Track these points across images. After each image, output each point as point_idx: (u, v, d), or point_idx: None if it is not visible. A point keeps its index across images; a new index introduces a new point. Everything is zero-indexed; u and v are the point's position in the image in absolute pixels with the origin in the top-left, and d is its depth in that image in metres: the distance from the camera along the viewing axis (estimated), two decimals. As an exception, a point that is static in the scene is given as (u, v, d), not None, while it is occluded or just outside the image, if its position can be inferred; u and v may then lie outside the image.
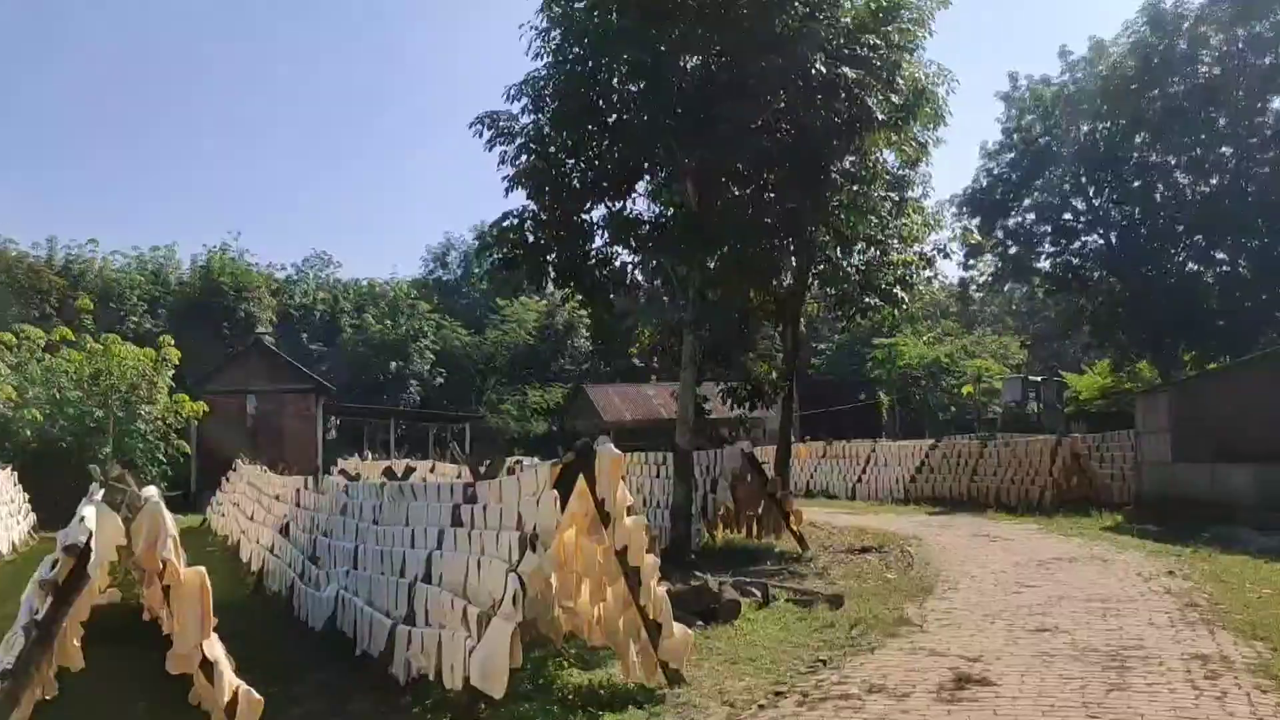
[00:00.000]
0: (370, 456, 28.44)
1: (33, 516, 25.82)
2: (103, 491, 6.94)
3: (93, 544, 6.05)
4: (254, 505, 19.67)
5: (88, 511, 6.23)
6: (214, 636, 6.17)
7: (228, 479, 27.15)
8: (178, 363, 34.58)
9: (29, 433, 30.41)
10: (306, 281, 60.35)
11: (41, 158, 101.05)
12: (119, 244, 72.50)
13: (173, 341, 34.86)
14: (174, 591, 6.13)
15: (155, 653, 6.69)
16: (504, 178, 16.38)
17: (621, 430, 42.40)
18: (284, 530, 15.49)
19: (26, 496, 25.93)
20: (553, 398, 53.16)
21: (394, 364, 52.29)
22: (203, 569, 6.17)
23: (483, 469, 9.70)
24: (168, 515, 6.22)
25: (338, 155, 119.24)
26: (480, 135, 16.54)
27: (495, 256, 17.41)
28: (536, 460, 21.47)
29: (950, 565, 14.68)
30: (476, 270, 69.10)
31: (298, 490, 15.90)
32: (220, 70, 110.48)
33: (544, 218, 16.70)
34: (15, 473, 25.60)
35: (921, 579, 13.58)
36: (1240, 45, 34.86)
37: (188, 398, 34.14)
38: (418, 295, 61.06)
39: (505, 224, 16.82)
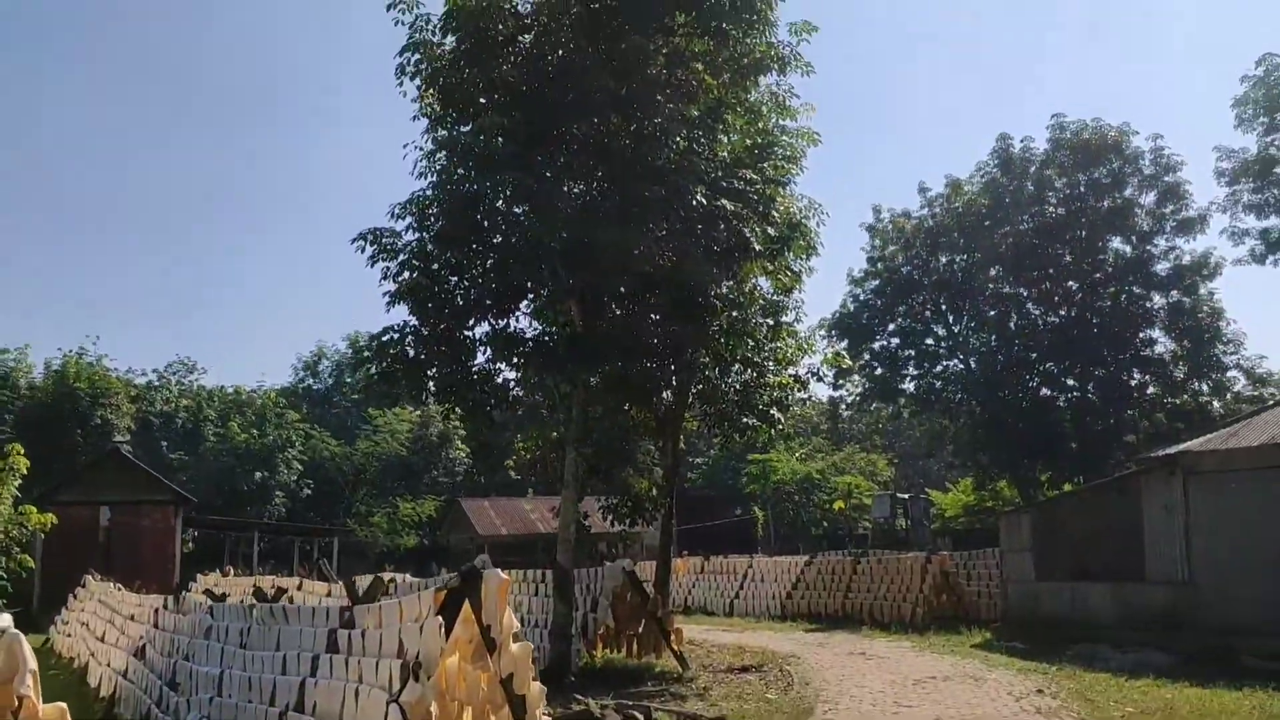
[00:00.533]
0: (232, 572, 27.22)
1: None
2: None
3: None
4: (105, 625, 18.62)
5: (-60, 642, 5.86)
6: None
7: (75, 596, 25.65)
8: (25, 472, 32.73)
9: None
10: (168, 388, 58.28)
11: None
12: (-35, 344, 68.55)
13: (22, 450, 33.06)
14: (30, 728, 5.77)
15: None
16: (385, 293, 16.40)
17: (497, 545, 41.80)
18: (139, 653, 14.68)
19: None
20: (425, 510, 52.05)
21: (259, 474, 50.54)
22: (64, 705, 5.86)
23: (359, 589, 9.50)
24: (27, 647, 5.90)
25: (206, 261, 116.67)
26: (362, 250, 16.57)
27: (375, 370, 17.26)
28: (408, 577, 21.02)
29: (829, 685, 14.82)
30: (350, 380, 68.05)
31: (156, 610, 15.15)
32: (81, 165, 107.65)
33: (425, 333, 16.68)
34: None
35: (801, 699, 13.67)
36: (1082, 188, 37.85)
37: (34, 509, 32.20)
38: (286, 404, 59.51)
39: (386, 338, 16.76)
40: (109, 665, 16.16)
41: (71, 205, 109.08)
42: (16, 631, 5.98)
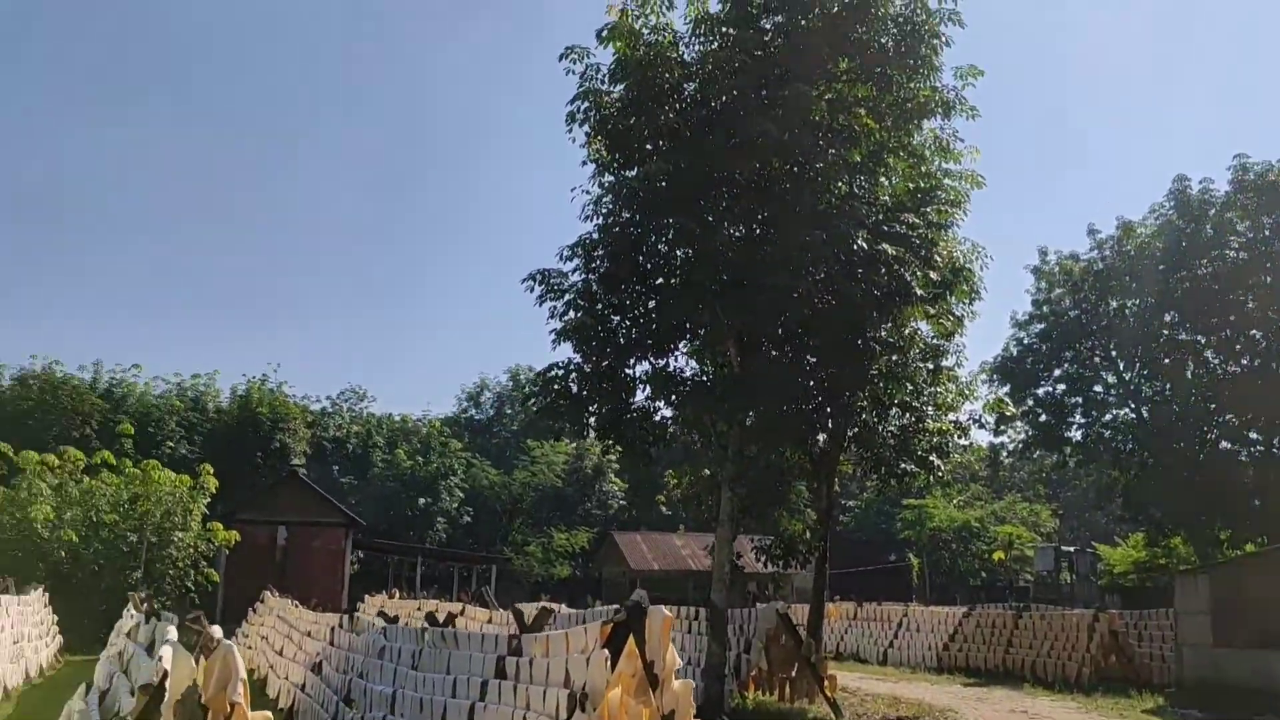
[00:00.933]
0: (398, 594, 28.36)
1: (60, 639, 25.84)
2: (171, 629, 7.26)
3: (166, 684, 6.30)
4: (283, 640, 19.68)
5: (164, 651, 6.50)
6: (273, 780, 6.33)
7: (255, 610, 27.12)
8: (214, 491, 35.11)
9: (63, 554, 30.74)
10: (340, 415, 61.23)
11: (90, 283, 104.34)
12: (161, 370, 74.19)
13: (211, 470, 35.50)
14: (240, 733, 6.33)
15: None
16: (551, 331, 17.04)
17: (648, 579, 42.06)
18: (317, 668, 15.53)
19: (54, 618, 26.00)
20: (578, 541, 53.01)
21: (422, 500, 52.52)
22: (269, 714, 6.40)
23: (526, 618, 9.90)
24: (239, 657, 6.48)
25: (378, 293, 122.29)
26: (531, 290, 17.29)
27: (539, 404, 17.89)
28: (564, 607, 21.52)
29: (986, 741, 14.44)
30: (510, 411, 70.05)
31: (331, 628, 16.00)
32: (269, 204, 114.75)
33: (588, 370, 17.21)
34: (46, 594, 25.77)
35: (957, 754, 13.37)
36: (1267, 232, 35.70)
37: (220, 526, 34.51)
38: (449, 433, 61.72)
39: (550, 374, 17.38)
40: (287, 679, 17.12)
41: (258, 245, 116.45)
42: (230, 643, 6.59)
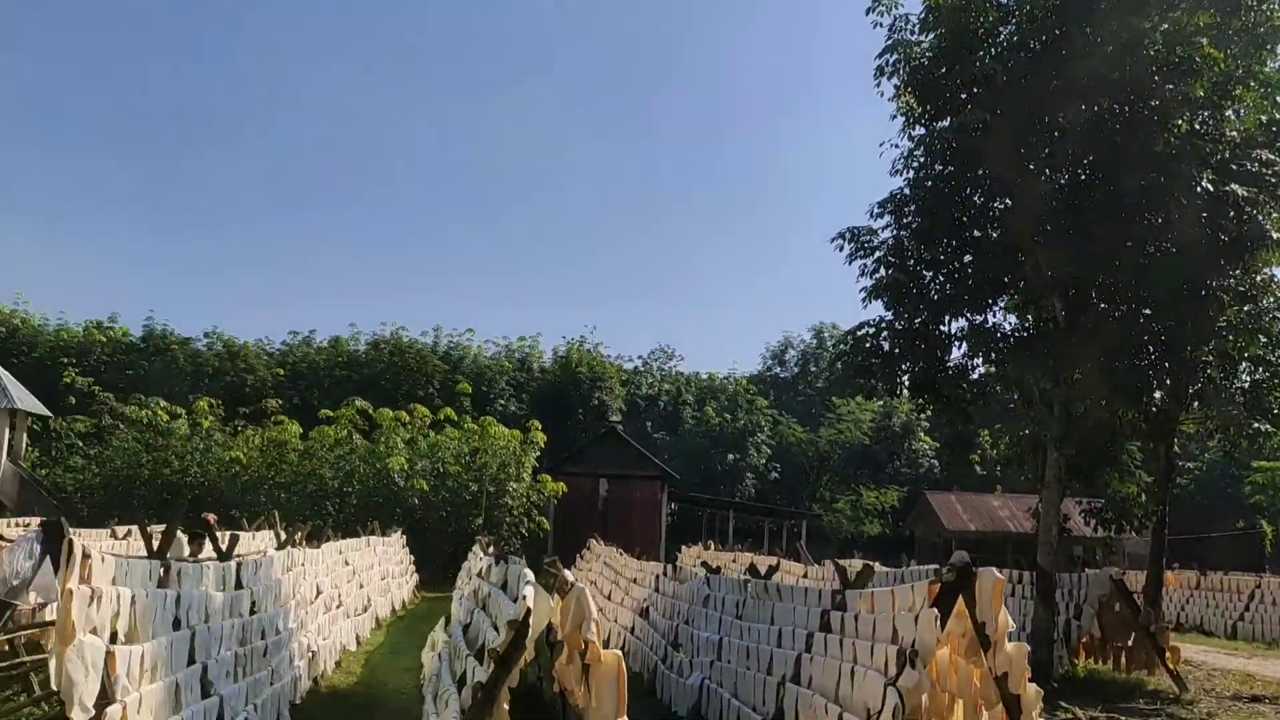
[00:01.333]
0: (713, 546, 29.43)
1: (415, 577, 28.97)
2: (526, 571, 8.10)
3: (530, 620, 7.07)
4: (611, 585, 20.99)
5: (526, 590, 7.28)
6: (625, 716, 6.96)
7: (582, 556, 29.05)
8: (543, 445, 37.91)
9: (415, 501, 34.37)
10: (651, 373, 63.67)
11: (431, 258, 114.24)
12: (492, 334, 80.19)
13: (539, 426, 38.33)
14: (593, 670, 7.00)
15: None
16: (861, 289, 16.98)
17: (964, 540, 40.90)
18: (644, 613, 16.54)
19: (411, 559, 29.16)
20: (887, 500, 52.44)
21: (731, 456, 53.80)
22: (619, 652, 7.02)
23: (849, 574, 10.10)
24: (591, 600, 7.15)
25: (683, 254, 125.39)
26: (840, 249, 17.29)
27: (849, 363, 17.92)
28: (879, 565, 21.45)
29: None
30: (814, 369, 70.04)
31: (656, 576, 16.93)
32: (590, 174, 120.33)
33: (900, 328, 17.02)
34: (404, 536, 28.95)
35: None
36: None
37: (549, 478, 37.24)
38: (755, 390, 62.65)
39: (861, 333, 17.35)
40: (616, 621, 18.33)
41: (571, 208, 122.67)
42: (583, 586, 7.28)
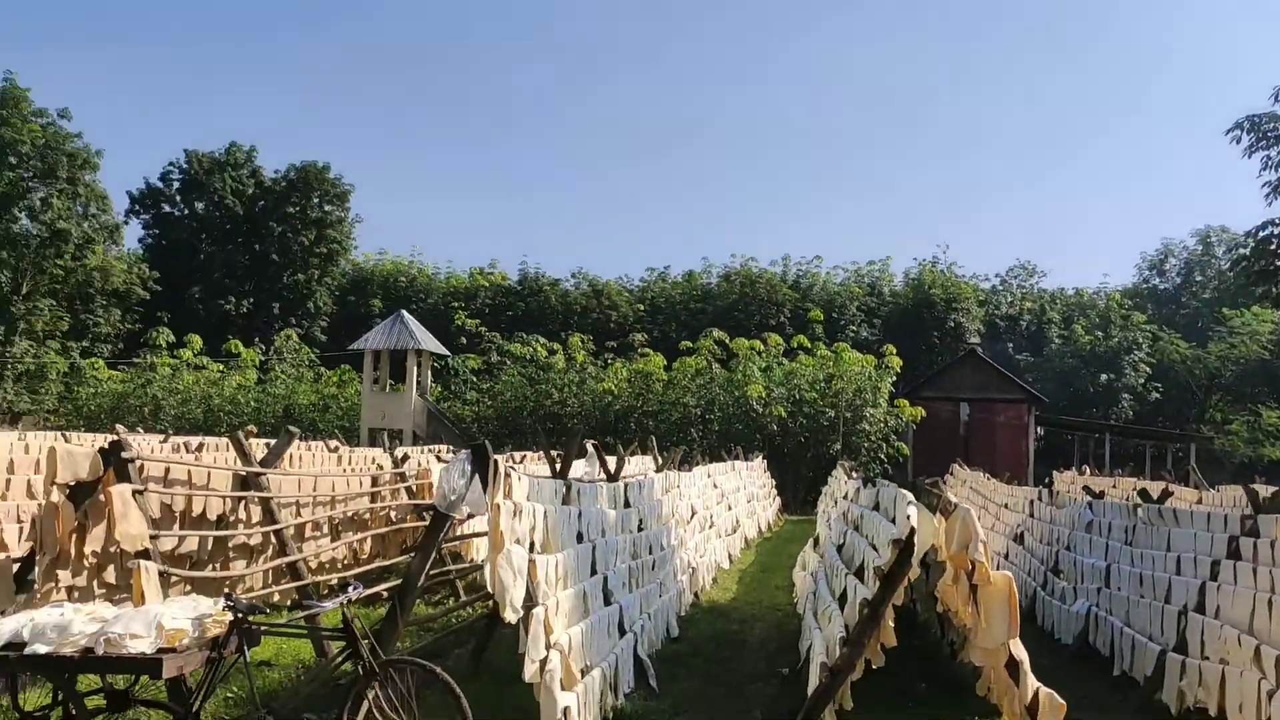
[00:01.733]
0: (1088, 471, 27.74)
1: (778, 500, 29.78)
2: (903, 491, 8.13)
3: (914, 540, 7.11)
4: (980, 510, 20.44)
5: (910, 511, 7.33)
6: (1017, 639, 6.83)
7: (945, 482, 28.45)
8: (898, 370, 37.35)
9: (774, 427, 35.17)
10: (1010, 292, 60.34)
11: (776, 192, 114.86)
12: (840, 260, 79.56)
13: (894, 350, 37.77)
14: (982, 591, 6.91)
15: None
16: (1264, 184, 15.24)
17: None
18: (1018, 539, 16.00)
19: (773, 483, 29.98)
20: (1294, 420, 46.62)
21: (1104, 376, 50.01)
22: (1009, 574, 6.90)
23: (1263, 499, 9.23)
24: (976, 521, 7.06)
25: (1044, 163, 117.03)
26: (1238, 141, 15.51)
27: (1251, 268, 16.16)
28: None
29: None
30: (1200, 279, 63.21)
31: (1031, 501, 16.28)
32: (936, 90, 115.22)
33: (1315, 225, 15.06)
34: (765, 461, 29.78)
35: None
36: None
37: (906, 402, 36.69)
38: (1131, 305, 57.64)
39: (1264, 233, 15.59)
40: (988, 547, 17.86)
41: (938, 135, 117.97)
42: (968, 507, 7.21)
